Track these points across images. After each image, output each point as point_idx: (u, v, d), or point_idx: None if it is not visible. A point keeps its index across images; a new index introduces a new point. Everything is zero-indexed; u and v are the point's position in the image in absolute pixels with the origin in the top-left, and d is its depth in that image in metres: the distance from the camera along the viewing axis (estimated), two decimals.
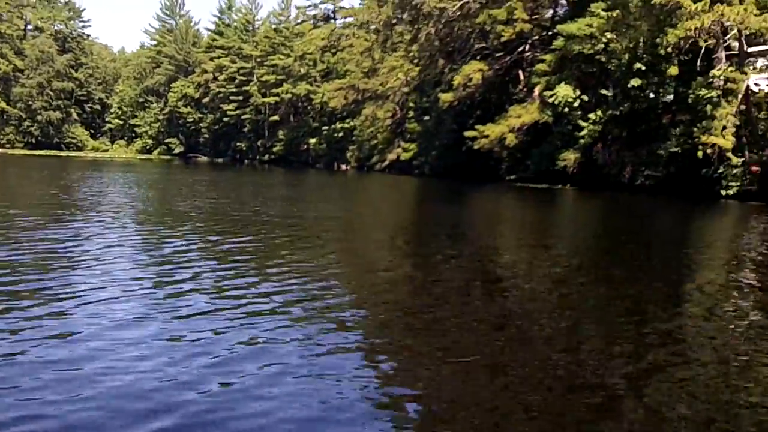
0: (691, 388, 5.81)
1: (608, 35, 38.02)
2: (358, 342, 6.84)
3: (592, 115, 40.94)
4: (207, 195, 27.25)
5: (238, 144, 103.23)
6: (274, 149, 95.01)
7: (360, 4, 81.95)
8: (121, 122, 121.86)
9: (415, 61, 59.11)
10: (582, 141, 40.75)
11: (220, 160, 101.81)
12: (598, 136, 40.53)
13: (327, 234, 16.07)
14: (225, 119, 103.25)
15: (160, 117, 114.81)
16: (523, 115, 43.78)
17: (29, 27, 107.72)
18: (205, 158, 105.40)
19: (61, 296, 7.92)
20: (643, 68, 37.90)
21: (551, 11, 49.81)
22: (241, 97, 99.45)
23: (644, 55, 37.47)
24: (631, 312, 8.70)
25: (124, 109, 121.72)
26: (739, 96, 32.58)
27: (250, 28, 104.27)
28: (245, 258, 11.66)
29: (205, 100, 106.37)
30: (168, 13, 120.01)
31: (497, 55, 48.83)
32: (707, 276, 12.06)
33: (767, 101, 36.43)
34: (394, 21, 58.80)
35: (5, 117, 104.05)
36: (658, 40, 32.83)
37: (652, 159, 37.29)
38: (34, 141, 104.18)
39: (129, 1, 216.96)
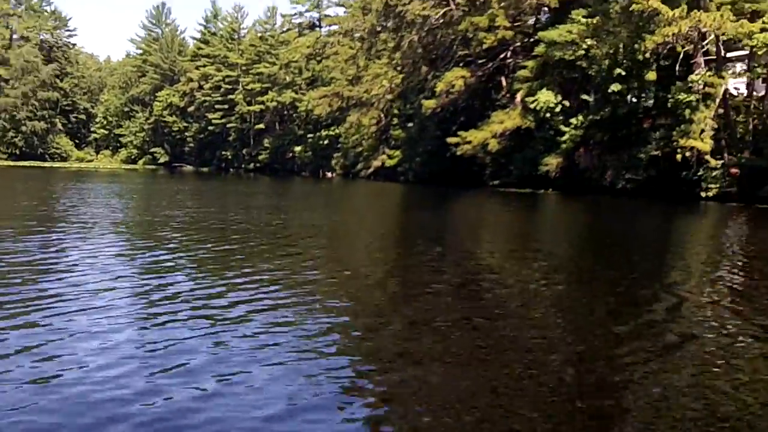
0: (676, 387, 5.91)
1: (589, 41, 38.41)
2: (338, 346, 6.90)
3: (573, 120, 41.32)
4: (188, 205, 27.20)
5: (223, 153, 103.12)
6: (260, 157, 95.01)
7: (345, 12, 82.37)
8: (106, 132, 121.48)
9: (399, 68, 59.40)
10: (564, 146, 41.10)
11: (205, 169, 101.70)
12: (579, 141, 40.88)
13: (310, 242, 16.08)
14: (210, 128, 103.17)
15: (146, 126, 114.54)
16: (505, 120, 44.09)
17: (15, 36, 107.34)
18: (190, 167, 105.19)
19: (28, 307, 7.92)
20: (623, 74, 38.32)
21: (533, 18, 50.21)
22: (226, 106, 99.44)
23: (624, 61, 37.89)
24: (613, 312, 8.85)
25: (110, 118, 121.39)
26: (717, 100, 33.02)
27: (236, 36, 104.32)
28: (223, 267, 11.66)
29: (191, 109, 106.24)
30: (154, 21, 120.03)
31: (480, 61, 49.15)
32: (686, 276, 12.24)
33: (746, 104, 36.93)
34: (378, 29, 59.09)
35: None
36: (636, 46, 33.20)
37: (633, 162, 37.66)
38: (18, 152, 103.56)
39: (115, 10, 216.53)
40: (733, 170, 33.39)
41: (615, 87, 38.80)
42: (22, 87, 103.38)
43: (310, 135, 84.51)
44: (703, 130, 32.15)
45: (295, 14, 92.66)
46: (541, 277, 11.73)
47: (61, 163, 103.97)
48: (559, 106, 42.10)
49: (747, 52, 33.55)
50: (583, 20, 38.45)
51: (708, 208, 30.97)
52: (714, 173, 33.66)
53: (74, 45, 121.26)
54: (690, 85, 33.82)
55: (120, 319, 7.55)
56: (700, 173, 34.08)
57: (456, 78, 47.34)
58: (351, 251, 15.28)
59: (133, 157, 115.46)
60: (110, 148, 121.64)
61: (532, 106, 42.66)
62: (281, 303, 8.69)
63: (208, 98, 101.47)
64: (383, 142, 66.31)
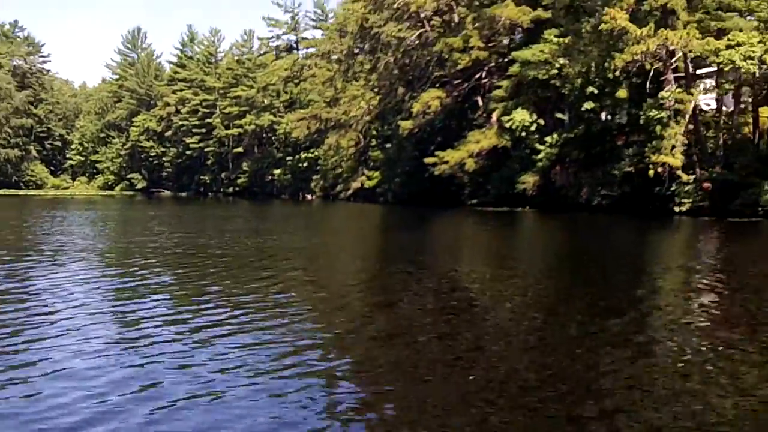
0: (652, 395, 6.04)
1: (561, 60, 39.02)
2: (317, 363, 6.95)
3: (548, 139, 41.81)
4: (164, 230, 26.87)
5: (201, 177, 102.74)
6: (239, 181, 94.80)
7: (322, 34, 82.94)
8: (82, 158, 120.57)
9: (376, 89, 59.86)
10: (540, 164, 41.53)
11: (183, 194, 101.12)
12: (555, 159, 41.33)
13: (288, 264, 16.08)
14: (188, 152, 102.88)
15: (122, 152, 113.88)
16: (481, 140, 44.51)
17: None
18: (168, 193, 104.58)
19: None
20: (596, 92, 38.94)
21: (507, 38, 50.89)
22: (204, 130, 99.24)
23: (596, 79, 38.50)
24: (588, 325, 9.00)
25: (86, 144, 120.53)
26: (687, 116, 33.61)
27: (213, 60, 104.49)
28: (196, 292, 11.57)
29: (168, 133, 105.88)
30: (129, 46, 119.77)
31: (455, 82, 49.65)
32: (660, 290, 12.47)
33: (715, 120, 37.65)
34: (355, 50, 59.66)
35: None
36: (606, 64, 33.79)
37: (607, 179, 38.13)
38: None
39: (90, 36, 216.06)
40: (705, 185, 33.91)
41: (588, 105, 39.39)
42: None
43: (289, 157, 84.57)
44: (674, 146, 32.70)
45: (272, 37, 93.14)
46: (518, 293, 11.84)
47: (36, 190, 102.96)
48: (535, 125, 42.61)
49: (715, 68, 34.26)
50: (556, 40, 39.10)
51: (681, 223, 31.40)
52: (686, 188, 34.17)
53: (48, 71, 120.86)
54: (661, 101, 34.42)
55: (82, 346, 7.46)
56: (673, 188, 34.58)
57: (432, 98, 47.78)
58: (330, 273, 15.28)
59: (110, 183, 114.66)
60: (86, 174, 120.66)
61: (507, 125, 43.13)
62: (255, 325, 8.69)
63: (185, 122, 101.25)
64: (362, 163, 66.54)
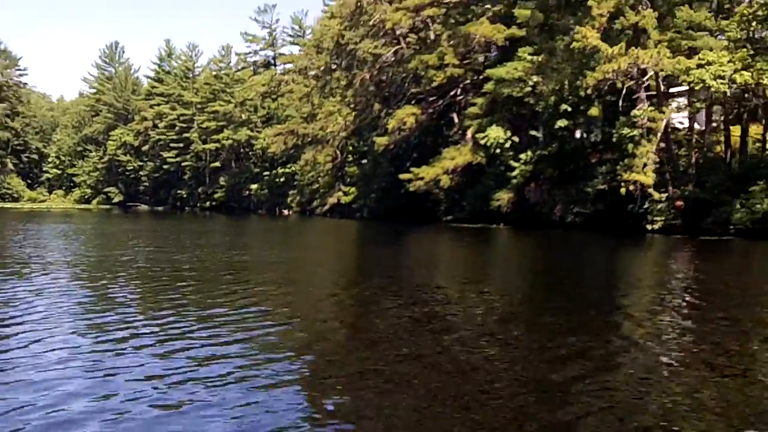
0: (621, 402, 6.29)
1: (535, 78, 39.15)
2: (279, 375, 6.97)
3: (523, 156, 41.91)
4: (139, 244, 26.67)
5: (178, 191, 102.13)
6: (216, 196, 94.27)
7: (299, 50, 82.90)
8: (59, 172, 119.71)
9: (352, 105, 59.85)
10: (514, 181, 41.59)
11: (160, 208, 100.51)
12: (529, 176, 41.41)
13: (261, 279, 15.97)
14: (165, 167, 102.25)
15: (99, 166, 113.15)
16: (456, 157, 44.49)
17: None
18: (145, 207, 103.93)
19: None
20: (569, 109, 39.14)
21: (483, 56, 51.06)
22: (181, 144, 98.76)
23: (569, 97, 38.68)
24: (559, 339, 9.09)
25: (62, 158, 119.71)
26: (659, 134, 33.78)
27: (190, 75, 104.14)
28: (167, 305, 11.37)
29: (145, 147, 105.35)
30: (107, 60, 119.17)
31: (431, 99, 49.71)
32: (630, 306, 12.60)
33: (687, 138, 37.91)
34: (332, 67, 59.63)
35: None
36: (578, 82, 33.91)
37: (580, 197, 38.24)
38: None
39: (68, 49, 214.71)
40: (678, 203, 34.06)
41: (561, 123, 39.56)
42: None
43: (266, 173, 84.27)
44: (645, 164, 32.81)
45: (250, 53, 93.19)
46: (489, 308, 11.94)
47: (12, 203, 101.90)
48: (509, 142, 42.72)
49: (688, 87, 34.50)
50: (529, 57, 39.25)
51: (654, 241, 31.48)
52: (659, 206, 34.30)
53: (25, 84, 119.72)
54: (633, 120, 34.57)
55: (39, 358, 7.35)
56: (645, 206, 34.70)
57: (407, 115, 47.77)
58: (302, 287, 15.24)
59: (86, 196, 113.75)
60: (63, 187, 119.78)
61: (482, 142, 43.19)
62: (220, 338, 8.65)
63: (162, 137, 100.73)
64: (339, 179, 66.40)
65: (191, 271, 16.73)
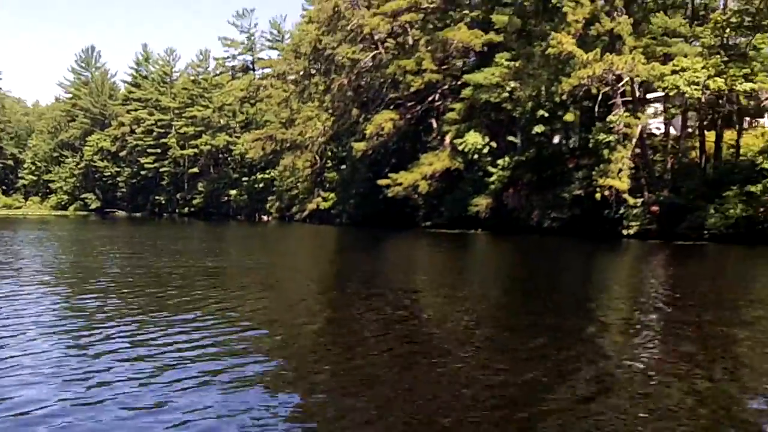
0: (583, 408, 6.27)
1: (512, 84, 39.29)
2: (252, 377, 6.99)
3: (500, 161, 42.05)
4: (115, 251, 26.36)
5: (156, 197, 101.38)
6: (194, 202, 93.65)
7: (278, 55, 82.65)
8: (34, 178, 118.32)
9: (331, 111, 59.71)
10: (492, 186, 41.71)
11: (138, 214, 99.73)
12: (507, 182, 41.55)
13: (240, 285, 15.87)
14: (143, 172, 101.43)
15: (76, 172, 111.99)
16: (435, 162, 44.52)
17: None
18: (123, 213, 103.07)
19: None
20: (546, 115, 39.34)
21: (461, 61, 51.18)
22: (159, 150, 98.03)
23: (546, 103, 38.85)
24: (529, 341, 9.16)
25: (38, 164, 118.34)
26: (634, 140, 34.03)
27: (168, 79, 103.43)
28: (144, 312, 11.14)
29: (122, 153, 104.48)
30: (83, 65, 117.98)
31: (409, 104, 49.73)
32: (606, 309, 12.72)
33: (663, 144, 38.22)
34: (312, 71, 59.44)
35: None
36: (554, 88, 34.07)
37: (557, 202, 38.43)
38: None
39: (43, 54, 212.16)
40: (653, 208, 34.32)
41: (539, 128, 39.75)
42: None
43: (245, 178, 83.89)
44: (620, 170, 33.04)
45: (228, 57, 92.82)
46: (465, 312, 11.95)
47: None
48: (487, 148, 42.82)
49: (663, 93, 34.80)
50: (507, 63, 39.41)
51: (629, 246, 31.66)
52: (635, 211, 34.53)
53: (0, 89, 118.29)
54: (609, 125, 34.80)
55: (4, 363, 7.23)
56: (621, 211, 34.92)
57: (385, 120, 47.74)
58: (279, 292, 15.13)
59: (63, 203, 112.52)
60: (39, 194, 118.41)
61: (460, 147, 43.26)
62: (193, 343, 8.60)
63: (140, 142, 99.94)
64: (318, 184, 66.28)
65: (166, 276, 16.59)
